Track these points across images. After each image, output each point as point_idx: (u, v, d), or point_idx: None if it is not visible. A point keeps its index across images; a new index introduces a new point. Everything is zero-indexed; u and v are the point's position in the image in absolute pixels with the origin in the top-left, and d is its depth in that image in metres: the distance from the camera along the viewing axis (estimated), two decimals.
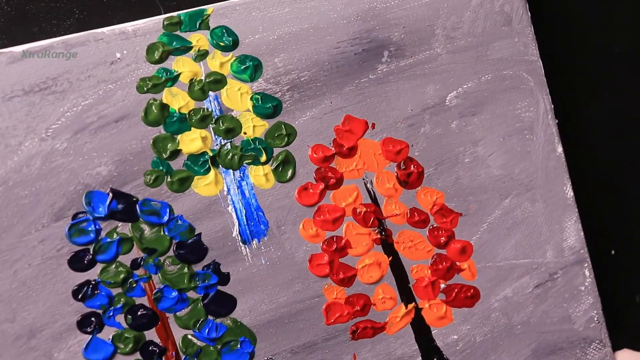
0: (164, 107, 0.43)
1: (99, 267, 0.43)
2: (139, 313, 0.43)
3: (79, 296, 0.42)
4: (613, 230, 0.54)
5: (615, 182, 0.55)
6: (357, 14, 0.46)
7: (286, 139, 0.45)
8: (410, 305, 0.47)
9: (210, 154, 0.44)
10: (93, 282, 0.42)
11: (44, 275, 0.42)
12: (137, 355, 0.43)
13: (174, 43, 0.44)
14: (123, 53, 0.43)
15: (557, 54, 0.52)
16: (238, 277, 0.45)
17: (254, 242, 0.45)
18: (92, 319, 0.43)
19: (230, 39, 0.44)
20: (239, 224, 0.45)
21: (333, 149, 0.46)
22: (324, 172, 0.46)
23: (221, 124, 0.44)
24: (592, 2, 0.53)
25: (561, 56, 0.53)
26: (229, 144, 0.45)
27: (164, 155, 0.43)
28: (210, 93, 0.44)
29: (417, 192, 0.47)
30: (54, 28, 0.46)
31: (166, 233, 0.44)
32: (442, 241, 0.47)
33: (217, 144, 0.44)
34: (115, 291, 0.43)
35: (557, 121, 0.49)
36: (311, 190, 0.46)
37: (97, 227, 0.43)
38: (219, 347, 0.44)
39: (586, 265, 0.49)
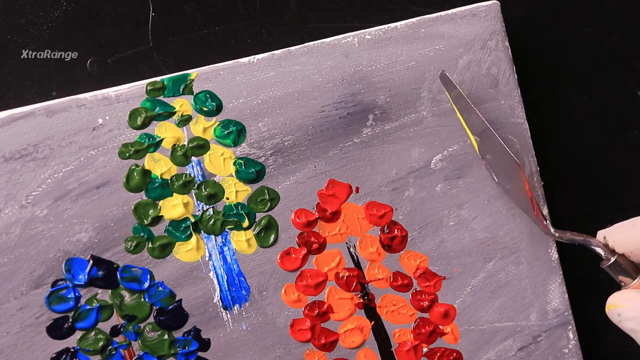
0: (146, 173, 0.43)
1: (78, 334, 0.42)
2: None
3: None
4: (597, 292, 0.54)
5: None
6: (343, 77, 0.46)
7: (269, 203, 0.45)
8: None
9: (192, 219, 0.44)
10: (72, 350, 0.42)
11: (22, 344, 0.42)
12: None
13: (157, 109, 0.43)
14: (105, 119, 0.43)
15: (544, 116, 0.52)
16: (219, 343, 0.44)
17: (235, 307, 0.45)
18: None
19: (214, 103, 0.44)
20: (221, 290, 0.44)
21: (316, 213, 0.46)
22: (307, 236, 0.46)
23: (203, 190, 0.44)
24: (581, 66, 0.53)
25: (548, 117, 0.52)
26: (211, 209, 0.44)
27: (146, 222, 0.43)
28: (193, 158, 0.44)
29: (401, 255, 0.47)
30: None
31: (147, 300, 0.43)
32: (425, 305, 0.47)
33: (199, 210, 0.44)
34: (94, 359, 0.43)
35: (542, 183, 0.49)
36: (294, 255, 0.45)
37: (76, 294, 0.42)
38: None
39: (570, 327, 0.49)
